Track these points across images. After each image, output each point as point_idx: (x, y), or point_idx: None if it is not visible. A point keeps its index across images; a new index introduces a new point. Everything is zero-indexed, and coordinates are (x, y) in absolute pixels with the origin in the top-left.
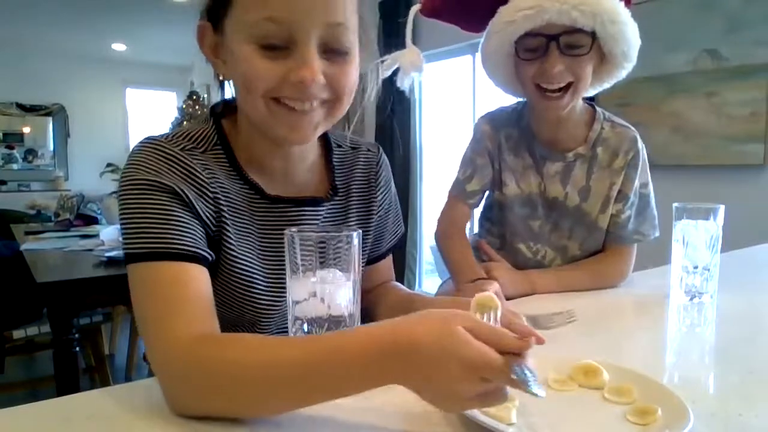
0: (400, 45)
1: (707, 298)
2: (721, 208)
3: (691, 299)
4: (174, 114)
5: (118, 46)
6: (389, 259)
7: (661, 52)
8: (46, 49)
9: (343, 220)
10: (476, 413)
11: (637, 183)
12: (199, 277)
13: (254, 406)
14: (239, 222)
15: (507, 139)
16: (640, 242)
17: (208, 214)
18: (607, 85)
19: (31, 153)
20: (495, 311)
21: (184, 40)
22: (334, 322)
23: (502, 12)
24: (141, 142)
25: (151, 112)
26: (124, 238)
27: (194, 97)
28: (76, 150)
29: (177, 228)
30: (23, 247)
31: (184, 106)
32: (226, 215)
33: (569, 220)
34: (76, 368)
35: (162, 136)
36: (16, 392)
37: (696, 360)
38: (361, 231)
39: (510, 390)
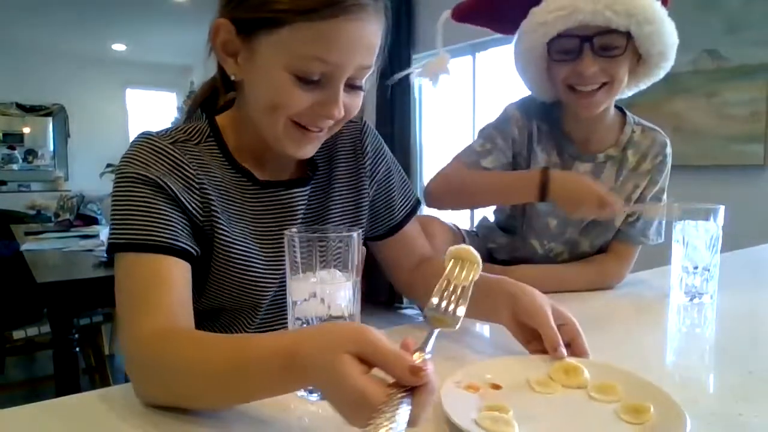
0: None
1: (707, 298)
2: (721, 209)
3: (691, 299)
4: (174, 114)
5: (118, 47)
6: (413, 229)
7: None
8: (46, 49)
9: (327, 193)
10: (475, 428)
11: (658, 187)
12: (174, 270)
13: (194, 400)
14: (232, 209)
15: (538, 129)
16: (643, 245)
17: (194, 205)
18: (643, 86)
19: (31, 153)
20: (474, 267)
21: (184, 40)
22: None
23: (535, 13)
24: (136, 137)
25: (151, 113)
26: (110, 228)
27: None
28: (76, 150)
29: (157, 221)
30: (23, 247)
31: (184, 106)
32: (216, 204)
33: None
34: (76, 368)
35: (159, 131)
36: (16, 392)
37: (696, 360)
38: (360, 230)
39: (502, 398)
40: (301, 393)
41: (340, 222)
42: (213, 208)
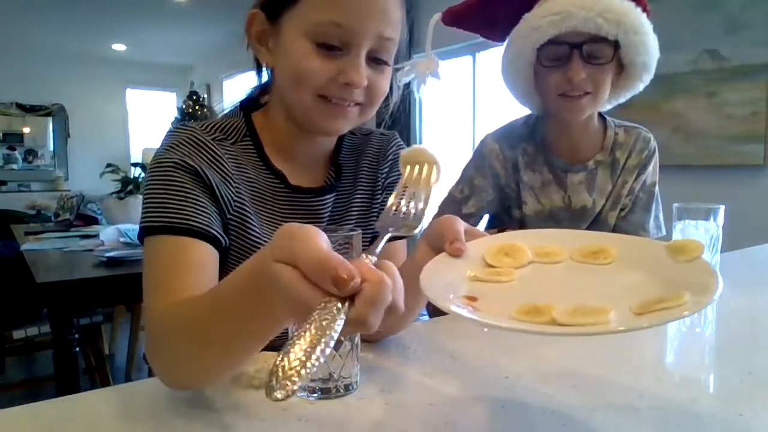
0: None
1: None
2: (721, 209)
3: None
4: (174, 114)
5: (118, 46)
6: (399, 251)
7: (661, 52)
8: (46, 49)
9: (350, 199)
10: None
11: (648, 181)
12: (205, 255)
13: (194, 365)
14: (263, 210)
15: (523, 156)
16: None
17: (228, 199)
18: (623, 99)
19: (31, 153)
20: (433, 168)
21: (184, 40)
22: None
23: (528, 18)
24: (176, 126)
25: (151, 113)
26: (143, 212)
27: (194, 97)
28: (76, 150)
29: (194, 206)
30: (23, 247)
31: (184, 106)
32: (248, 204)
33: (586, 224)
34: (76, 368)
35: (196, 124)
36: (16, 392)
37: (696, 360)
38: (360, 231)
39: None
40: (302, 393)
41: (355, 227)
42: (245, 207)
